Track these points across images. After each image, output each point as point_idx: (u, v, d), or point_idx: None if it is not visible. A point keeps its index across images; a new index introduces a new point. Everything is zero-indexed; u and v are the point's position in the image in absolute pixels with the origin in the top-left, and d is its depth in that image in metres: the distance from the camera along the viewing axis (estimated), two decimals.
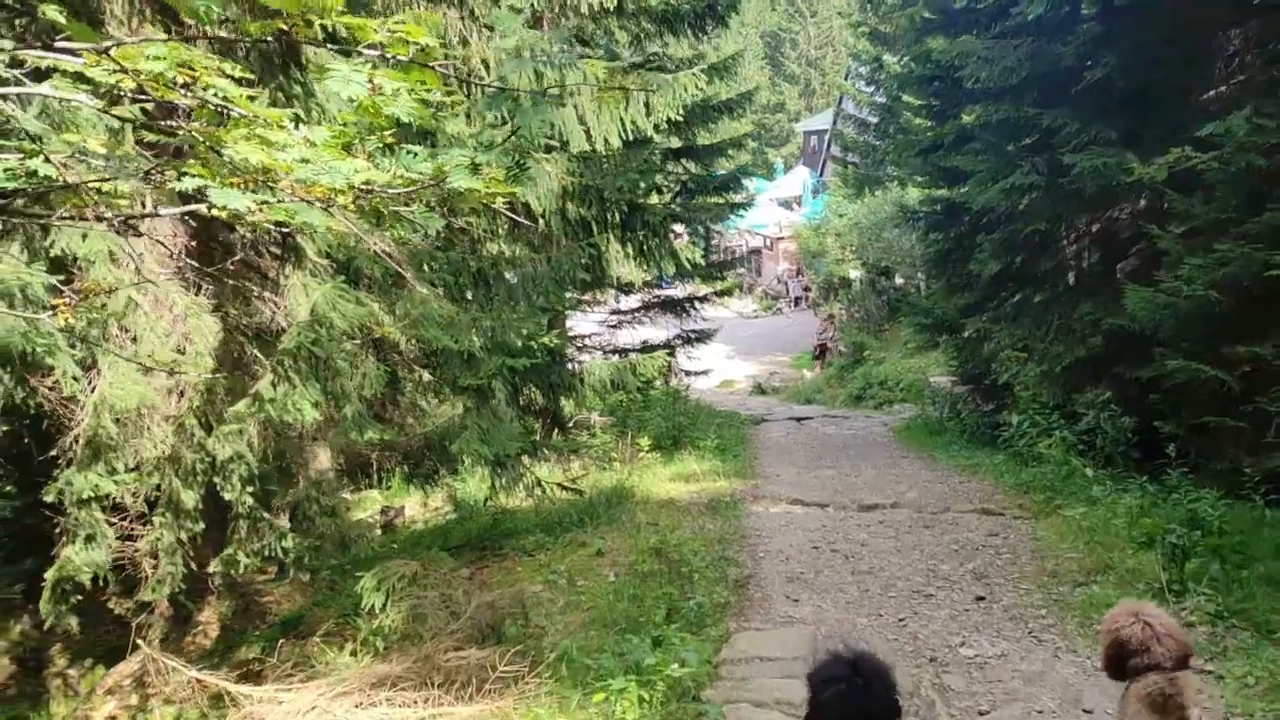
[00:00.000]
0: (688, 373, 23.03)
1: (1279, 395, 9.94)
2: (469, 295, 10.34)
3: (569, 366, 13.23)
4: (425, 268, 10.09)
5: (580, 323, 24.06)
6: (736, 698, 6.05)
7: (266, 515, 8.88)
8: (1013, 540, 10.00)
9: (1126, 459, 12.23)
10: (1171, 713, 3.67)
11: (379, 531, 15.54)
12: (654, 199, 15.22)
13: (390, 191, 3.76)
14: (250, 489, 8.69)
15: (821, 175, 46.90)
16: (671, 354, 22.47)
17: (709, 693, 6.17)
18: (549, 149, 11.21)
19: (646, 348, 22.22)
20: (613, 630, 8.12)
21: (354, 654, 8.74)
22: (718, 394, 28.00)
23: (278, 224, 3.90)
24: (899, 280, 32.38)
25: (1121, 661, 3.90)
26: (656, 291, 21.81)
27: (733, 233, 45.61)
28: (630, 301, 22.34)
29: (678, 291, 22.59)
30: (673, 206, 20.12)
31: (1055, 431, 12.89)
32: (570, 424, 16.80)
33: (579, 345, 22.56)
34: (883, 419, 21.09)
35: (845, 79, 39.34)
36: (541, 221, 11.11)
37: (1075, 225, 14.91)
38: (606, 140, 11.36)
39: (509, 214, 10.96)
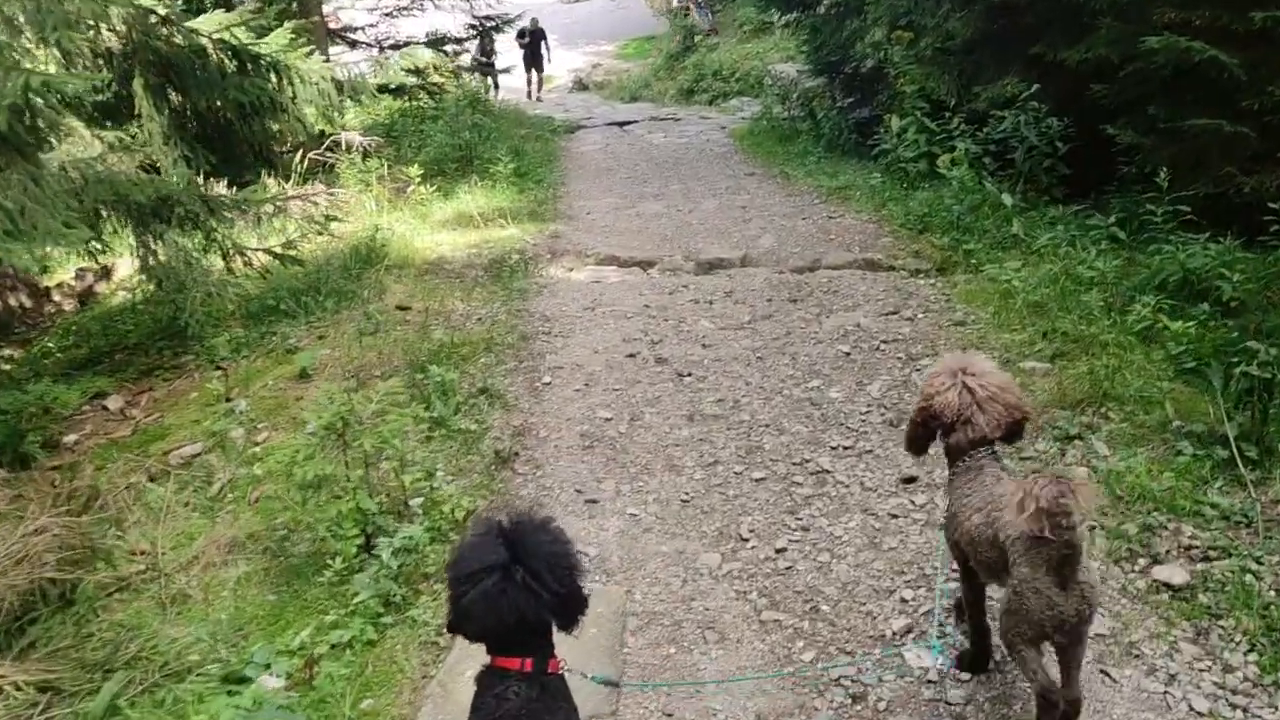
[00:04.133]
0: (483, 69, 18.16)
1: None
2: None
3: (275, 74, 8.49)
4: None
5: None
6: None
7: None
8: (925, 327, 6.32)
9: (1053, 179, 8.55)
10: (1055, 520, 2.45)
11: (77, 303, 11.10)
12: None
13: None
14: None
15: None
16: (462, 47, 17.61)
17: None
18: None
19: (435, 40, 17.30)
20: (267, 581, 4.26)
21: None
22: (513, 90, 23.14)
23: None
24: None
25: (931, 436, 3.05)
26: None
27: None
28: None
29: None
30: None
31: (956, 141, 9.06)
32: (322, 148, 12.06)
33: (350, 40, 17.46)
34: (720, 121, 16.88)
35: None
36: None
37: None
38: None
39: None
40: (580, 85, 26.10)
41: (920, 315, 6.53)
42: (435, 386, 5.61)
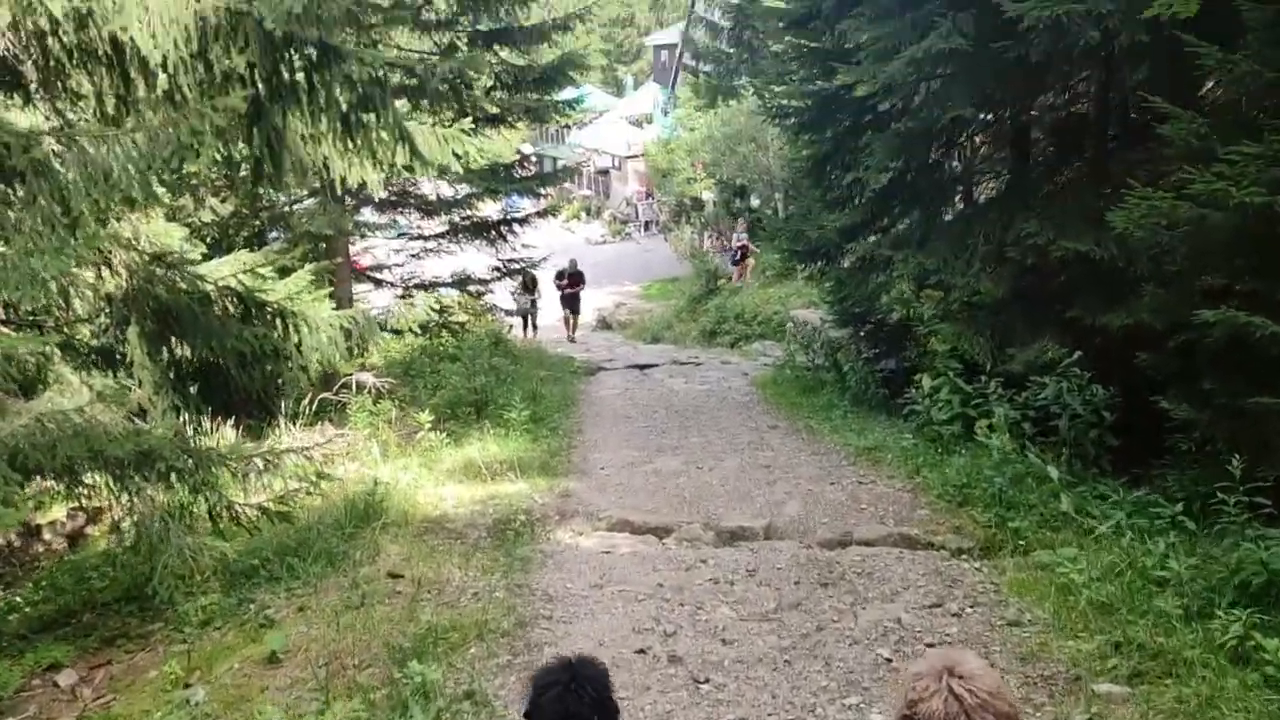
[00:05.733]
0: (507, 311, 18.13)
1: None
2: None
3: (280, 322, 8.13)
4: None
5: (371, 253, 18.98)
6: None
7: None
8: (975, 626, 5.54)
9: (1101, 449, 7.94)
10: None
11: (66, 543, 10.46)
12: (377, 51, 9.92)
13: None
14: None
15: (673, 90, 41.89)
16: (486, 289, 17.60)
17: None
18: None
19: (460, 281, 17.35)
20: None
21: None
22: (560, 330, 23.21)
23: None
24: (755, 200, 27.97)
25: None
26: (466, 212, 16.71)
27: (578, 151, 40.38)
28: (435, 224, 17.18)
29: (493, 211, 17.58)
30: (485, 103, 15.08)
31: (992, 405, 8.52)
32: (334, 389, 11.66)
33: (376, 279, 17.56)
34: (742, 366, 16.59)
35: None
36: (163, 75, 5.96)
37: (1002, 111, 10.45)
38: None
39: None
40: (604, 324, 26.26)
41: (968, 610, 5.76)
42: (414, 689, 4.85)
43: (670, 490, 8.68)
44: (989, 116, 10.15)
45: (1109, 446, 7.84)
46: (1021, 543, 6.74)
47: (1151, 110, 7.30)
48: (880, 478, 8.62)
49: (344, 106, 6.17)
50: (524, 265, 17.58)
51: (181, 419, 7.62)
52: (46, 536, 10.46)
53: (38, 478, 7.00)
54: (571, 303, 22.12)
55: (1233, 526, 5.81)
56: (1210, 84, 8.64)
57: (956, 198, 12.27)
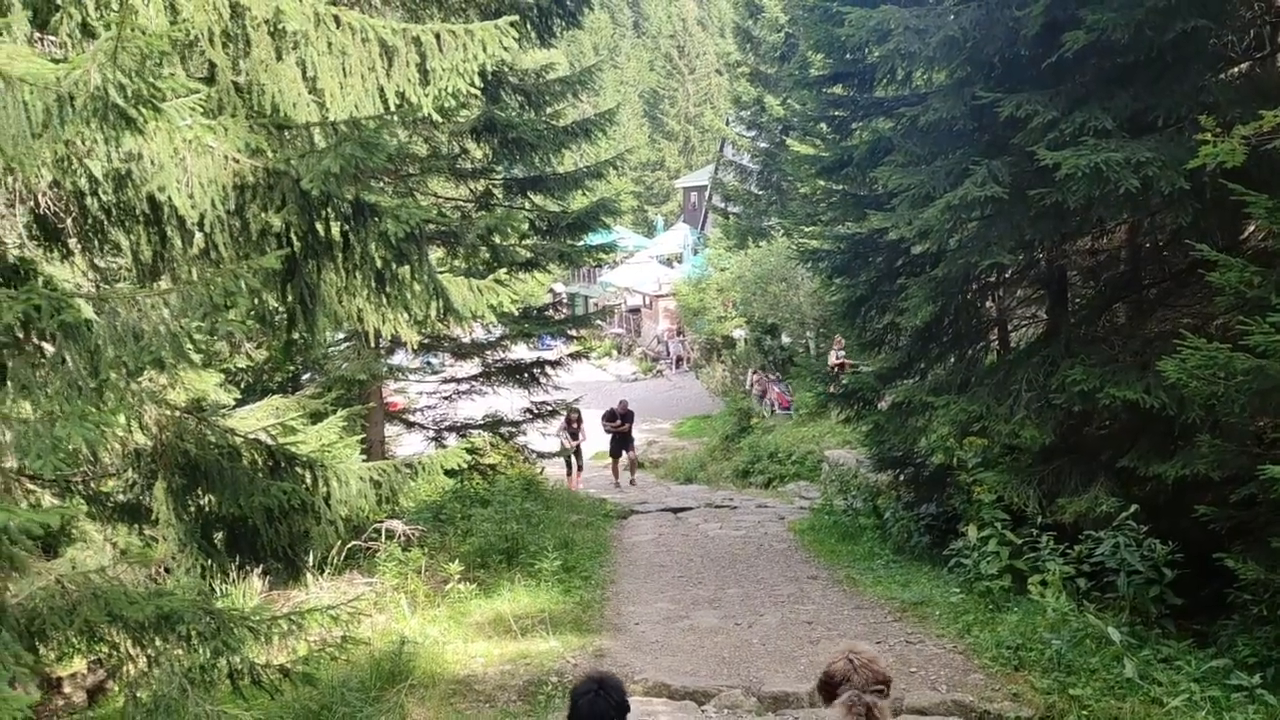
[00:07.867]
0: (540, 454, 17.91)
1: None
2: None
3: (310, 474, 7.97)
4: None
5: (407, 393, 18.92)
6: None
7: None
8: None
9: (1162, 608, 7.51)
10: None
11: (85, 697, 10.14)
12: (411, 202, 9.96)
13: None
14: None
15: (703, 230, 42.58)
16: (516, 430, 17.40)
17: None
18: (216, 111, 6.13)
19: (491, 423, 17.19)
20: None
21: None
22: (590, 469, 22.95)
23: None
24: (786, 339, 27.95)
25: (832, 690, 3.68)
26: (500, 354, 16.70)
27: (610, 290, 40.88)
28: (468, 366, 17.18)
29: (527, 353, 17.58)
30: (519, 248, 15.20)
31: (1044, 560, 8.12)
32: (363, 536, 11.39)
33: (407, 421, 17.47)
34: (778, 509, 16.19)
35: (726, 124, 35.12)
36: (200, 233, 5.97)
37: (1037, 254, 10.35)
38: (355, 121, 6.38)
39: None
40: (636, 463, 25.96)
41: None
42: None
43: (708, 650, 8.27)
44: (1024, 258, 10.03)
45: (1171, 604, 7.42)
46: (1085, 712, 6.31)
47: (1195, 254, 7.16)
48: (928, 636, 8.18)
49: (378, 263, 6.14)
50: (557, 406, 17.40)
51: (205, 573, 7.40)
52: (66, 689, 10.17)
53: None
54: (623, 443, 21.64)
55: None
56: (1251, 228, 8.58)
57: (993, 340, 12.12)
